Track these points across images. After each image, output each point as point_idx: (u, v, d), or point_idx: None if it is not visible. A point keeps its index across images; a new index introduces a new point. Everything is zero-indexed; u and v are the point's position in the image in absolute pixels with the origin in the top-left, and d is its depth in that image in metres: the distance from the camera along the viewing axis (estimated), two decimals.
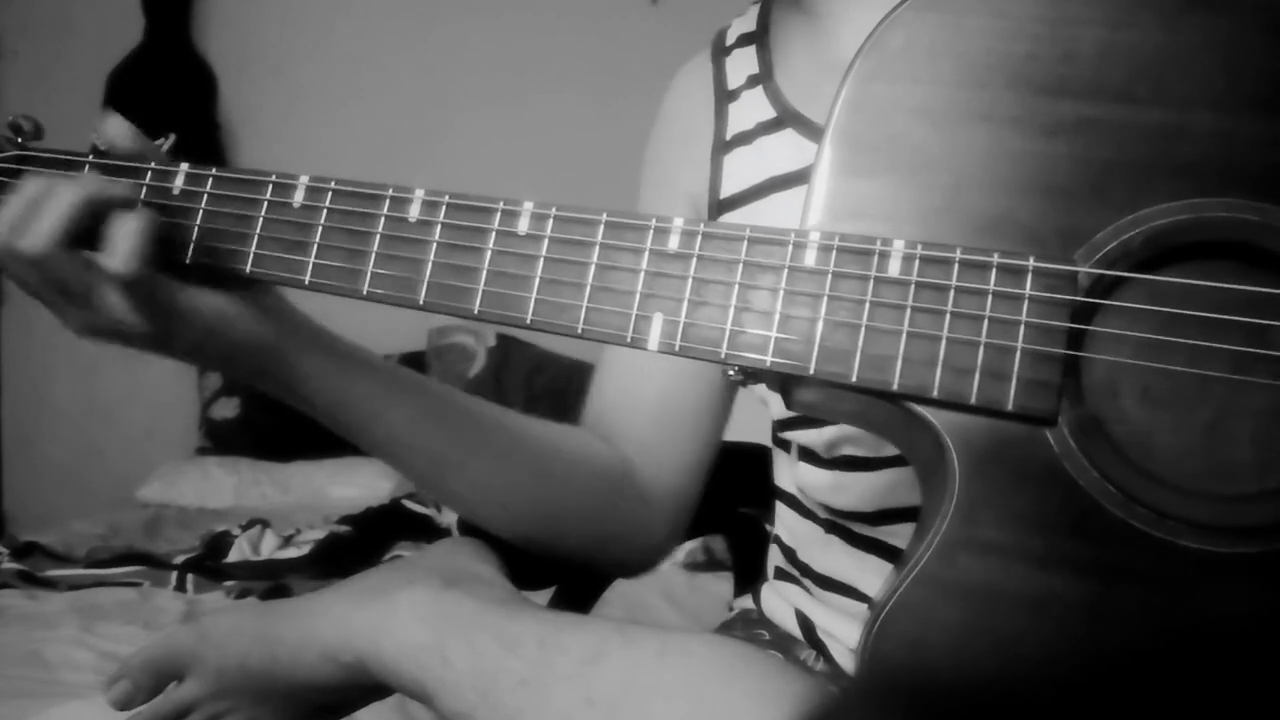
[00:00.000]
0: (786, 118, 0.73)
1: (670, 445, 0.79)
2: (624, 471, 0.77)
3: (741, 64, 0.77)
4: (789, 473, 0.78)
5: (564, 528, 0.75)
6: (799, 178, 0.70)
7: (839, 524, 0.73)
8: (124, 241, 0.56)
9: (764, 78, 0.75)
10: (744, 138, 0.75)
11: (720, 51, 0.79)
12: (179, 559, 2.01)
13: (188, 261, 0.60)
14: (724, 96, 0.77)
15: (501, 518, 0.72)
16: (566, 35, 2.83)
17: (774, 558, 0.83)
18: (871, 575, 0.71)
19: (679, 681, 0.52)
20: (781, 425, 0.76)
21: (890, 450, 0.66)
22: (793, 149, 0.71)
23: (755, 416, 0.83)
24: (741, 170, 0.75)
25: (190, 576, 1.92)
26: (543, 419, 0.76)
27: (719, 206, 0.76)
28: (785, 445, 0.79)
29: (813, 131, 0.70)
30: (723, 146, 0.76)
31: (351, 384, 0.64)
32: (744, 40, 0.78)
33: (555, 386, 2.69)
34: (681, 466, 0.80)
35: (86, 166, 0.63)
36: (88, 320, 0.59)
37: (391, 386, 0.66)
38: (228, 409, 2.84)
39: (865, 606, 0.71)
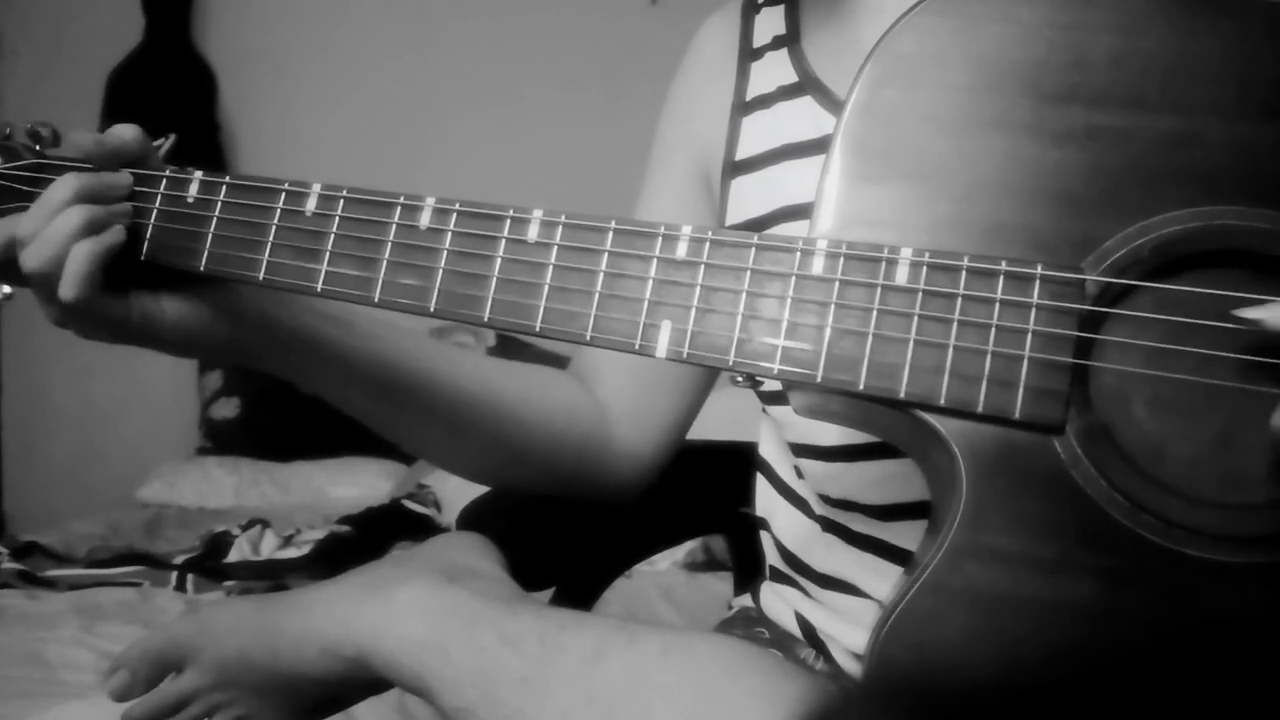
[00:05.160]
0: (807, 84, 0.73)
1: (648, 399, 0.81)
2: (593, 423, 0.79)
3: (769, 22, 0.77)
4: (787, 464, 0.78)
5: (524, 479, 0.80)
6: (813, 147, 0.70)
7: (837, 522, 0.73)
8: (75, 268, 0.59)
9: (790, 40, 0.75)
10: (763, 101, 0.75)
11: (750, 7, 0.79)
12: (179, 559, 2.00)
13: (202, 268, 0.61)
14: (748, 54, 0.78)
15: (458, 470, 0.79)
16: (566, 35, 2.82)
17: (770, 557, 0.83)
18: (872, 574, 0.71)
19: (681, 681, 0.52)
20: (769, 398, 0.76)
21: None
22: (809, 118, 0.72)
23: (755, 416, 0.83)
24: (758, 135, 0.75)
25: (190, 576, 1.91)
26: (518, 367, 0.80)
27: (733, 168, 0.76)
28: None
29: (831, 102, 0.71)
30: (742, 107, 0.77)
31: (301, 372, 0.69)
32: None
33: None
34: (655, 423, 0.81)
35: None
36: (58, 317, 0.63)
37: (347, 375, 0.70)
38: (228, 409, 2.83)
39: (867, 605, 0.71)
